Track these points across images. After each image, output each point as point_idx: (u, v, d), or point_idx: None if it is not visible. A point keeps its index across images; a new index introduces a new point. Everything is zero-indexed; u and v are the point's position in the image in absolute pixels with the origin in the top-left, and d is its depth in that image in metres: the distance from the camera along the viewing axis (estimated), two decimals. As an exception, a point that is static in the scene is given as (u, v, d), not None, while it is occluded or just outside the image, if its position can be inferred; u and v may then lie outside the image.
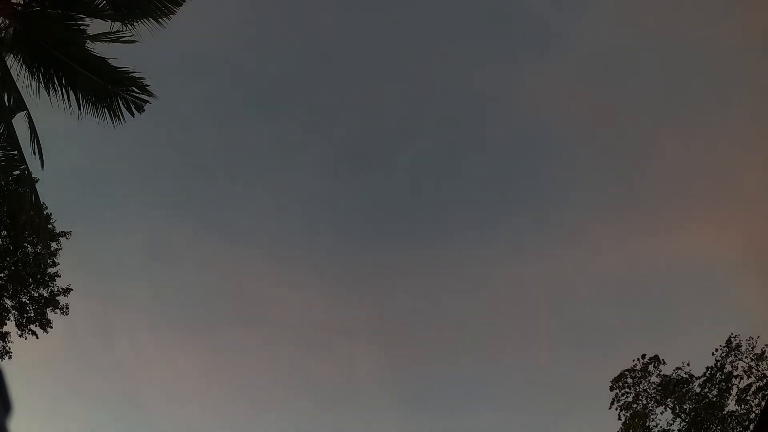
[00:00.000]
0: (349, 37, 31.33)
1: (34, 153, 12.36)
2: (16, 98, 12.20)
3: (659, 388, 28.08)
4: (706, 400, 27.03)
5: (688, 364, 27.98)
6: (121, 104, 12.42)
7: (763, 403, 25.25)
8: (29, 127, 12.34)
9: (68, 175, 26.45)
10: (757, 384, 26.45)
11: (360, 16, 30.38)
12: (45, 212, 19.96)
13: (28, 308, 22.17)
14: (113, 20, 12.09)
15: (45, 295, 22.35)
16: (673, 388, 27.75)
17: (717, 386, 27.06)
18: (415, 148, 34.00)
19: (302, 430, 40.44)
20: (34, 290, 22.27)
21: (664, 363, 28.38)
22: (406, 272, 36.45)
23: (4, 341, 22.14)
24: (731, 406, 26.80)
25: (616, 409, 28.31)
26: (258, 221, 34.68)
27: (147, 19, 11.99)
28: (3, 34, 11.97)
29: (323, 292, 35.98)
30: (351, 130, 33.64)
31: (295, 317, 36.46)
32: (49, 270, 22.45)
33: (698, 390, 27.42)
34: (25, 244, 22.04)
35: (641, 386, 28.38)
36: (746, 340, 26.98)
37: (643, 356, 28.50)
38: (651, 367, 28.40)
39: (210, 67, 30.13)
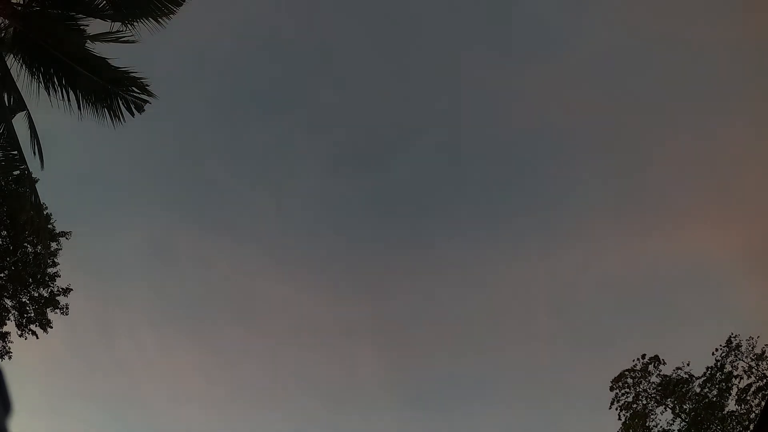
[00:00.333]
0: (351, 37, 31.36)
1: (34, 153, 12.37)
2: (16, 98, 12.21)
3: (659, 388, 28.09)
4: (706, 400, 27.05)
5: (688, 364, 28.04)
6: (121, 104, 12.43)
7: (763, 403, 25.26)
8: (29, 127, 12.35)
9: (68, 175, 26.44)
10: (757, 384, 26.46)
11: (362, 16, 30.41)
12: (45, 212, 19.97)
13: (28, 308, 22.19)
14: (113, 20, 12.10)
15: (45, 295, 22.37)
16: (673, 388, 27.76)
17: (717, 386, 27.07)
18: (416, 149, 34.01)
19: (303, 429, 40.46)
20: (34, 290, 22.28)
21: (664, 363, 28.42)
22: (408, 272, 36.49)
23: (4, 341, 22.15)
24: (731, 406, 26.84)
25: (616, 409, 28.34)
26: (259, 221, 34.72)
27: (147, 19, 12.00)
28: (3, 34, 11.97)
29: (324, 291, 36.03)
30: (352, 130, 33.68)
31: (296, 317, 36.49)
32: (49, 270, 22.46)
33: (698, 390, 27.43)
34: (25, 244, 22.06)
35: (641, 386, 28.40)
36: (746, 340, 27.02)
37: (643, 356, 28.53)
38: (651, 367, 28.43)
39: (212, 67, 30.16)
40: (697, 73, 29.63)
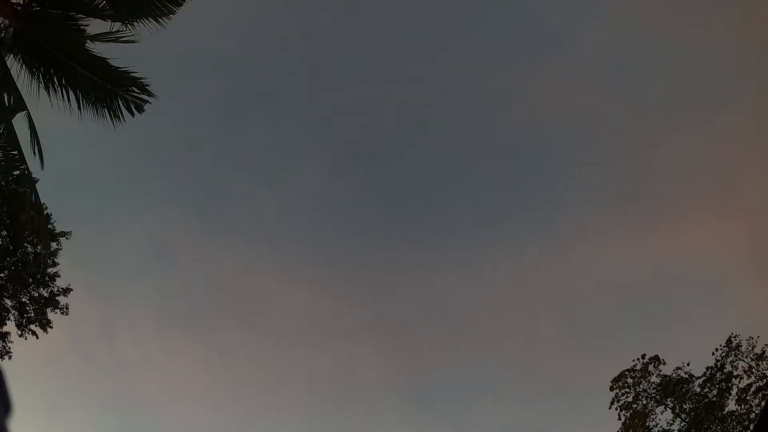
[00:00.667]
0: (353, 38, 31.36)
1: (34, 153, 12.37)
2: (16, 98, 12.21)
3: (659, 388, 28.08)
4: (706, 400, 27.04)
5: (688, 364, 28.02)
6: (121, 104, 12.43)
7: (763, 403, 25.26)
8: (29, 127, 12.35)
9: (68, 175, 26.45)
10: (757, 384, 26.45)
11: (364, 16, 30.40)
12: (45, 212, 19.96)
13: (28, 308, 22.18)
14: (113, 20, 12.10)
15: (45, 295, 22.36)
16: (673, 388, 27.75)
17: (717, 386, 27.06)
18: (418, 149, 34.04)
19: (306, 429, 40.44)
20: (34, 290, 22.28)
21: (664, 363, 28.41)
22: (410, 271, 36.53)
23: (4, 341, 22.15)
24: (731, 406, 26.83)
25: (616, 409, 28.33)
26: (262, 220, 34.72)
27: (147, 19, 11.99)
28: (3, 34, 11.97)
29: (327, 290, 36.03)
30: (355, 129, 33.69)
31: (298, 316, 36.50)
32: (49, 270, 22.46)
33: (698, 390, 27.42)
34: (25, 244, 22.05)
35: (641, 386, 28.39)
36: (746, 340, 27.00)
37: (643, 356, 28.52)
38: (651, 367, 28.42)
39: (214, 66, 30.16)
40: (698, 73, 29.65)
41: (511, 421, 35.37)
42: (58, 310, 22.45)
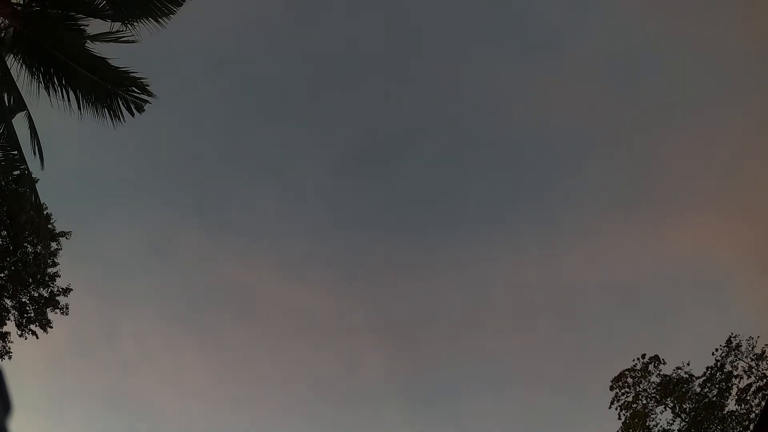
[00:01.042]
0: (354, 37, 31.35)
1: (34, 153, 12.38)
2: (16, 98, 12.21)
3: (659, 387, 28.09)
4: (706, 400, 27.04)
5: (688, 364, 28.03)
6: (121, 104, 12.43)
7: (763, 403, 25.26)
8: (29, 127, 12.35)
9: (68, 175, 26.44)
10: (757, 384, 26.46)
11: (365, 16, 30.40)
12: (45, 212, 19.97)
13: (28, 308, 22.19)
14: (113, 20, 12.10)
15: (45, 295, 22.37)
16: (673, 388, 27.76)
17: (717, 386, 27.07)
18: (420, 149, 34.05)
19: (307, 428, 40.45)
20: (34, 290, 22.29)
21: (664, 363, 28.41)
22: (412, 272, 36.54)
23: (4, 341, 22.16)
24: (731, 406, 26.83)
25: (616, 408, 28.34)
26: (264, 220, 34.75)
27: (147, 19, 12.00)
28: (3, 34, 11.98)
29: (328, 290, 36.04)
30: (356, 130, 33.70)
31: (300, 316, 36.51)
32: (49, 270, 22.47)
33: (698, 390, 27.43)
34: (25, 244, 22.06)
35: (641, 386, 28.40)
36: (746, 340, 27.00)
37: (643, 356, 28.53)
38: (651, 367, 28.42)
39: (215, 66, 30.15)
40: (698, 73, 29.66)
41: (512, 421, 35.38)
42: (58, 310, 22.46)
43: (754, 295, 30.86)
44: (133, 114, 12.56)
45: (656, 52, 29.77)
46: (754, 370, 26.70)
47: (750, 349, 26.90)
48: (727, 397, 26.90)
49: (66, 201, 26.85)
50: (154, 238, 32.42)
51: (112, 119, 12.47)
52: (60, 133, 17.96)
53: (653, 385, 28.27)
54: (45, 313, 22.27)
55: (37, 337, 22.22)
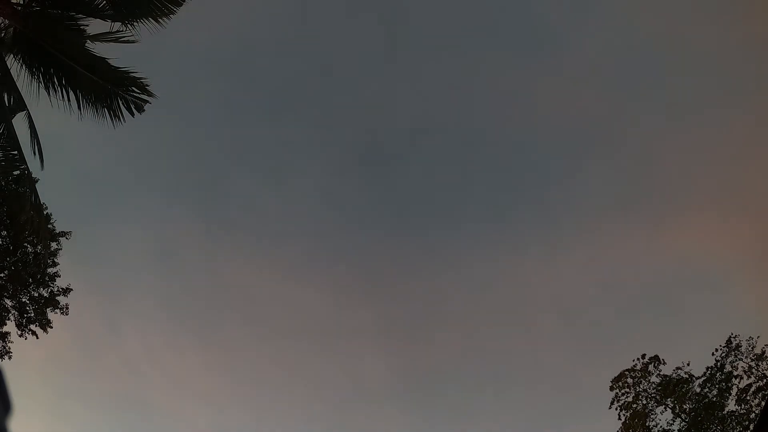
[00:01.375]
0: (355, 37, 31.35)
1: (34, 153, 12.39)
2: (16, 98, 12.22)
3: (659, 388, 28.08)
4: (706, 400, 27.03)
5: (688, 364, 28.00)
6: (121, 104, 12.44)
7: (763, 403, 25.26)
8: (29, 127, 12.36)
9: (68, 175, 26.45)
10: (757, 384, 26.45)
11: (365, 16, 30.41)
12: (45, 212, 19.98)
13: (28, 308, 22.19)
14: (113, 20, 12.11)
15: (45, 295, 22.38)
16: (673, 388, 27.74)
17: (717, 386, 27.06)
18: (421, 150, 34.06)
19: (308, 428, 40.46)
20: (34, 290, 22.29)
21: (664, 363, 28.40)
22: (413, 273, 36.53)
23: (4, 341, 22.16)
24: (731, 406, 26.81)
25: (616, 409, 28.34)
26: (265, 220, 34.75)
27: (147, 19, 12.00)
28: (3, 34, 11.98)
29: (331, 291, 36.04)
30: (357, 130, 33.69)
31: (302, 316, 36.52)
32: (49, 270, 22.47)
33: (698, 390, 27.42)
34: (25, 244, 22.06)
35: (641, 386, 28.39)
36: (746, 340, 26.99)
37: (643, 356, 28.52)
38: (651, 367, 28.41)
39: (215, 66, 30.16)
40: (698, 73, 29.66)
41: (512, 421, 35.38)
42: (58, 310, 22.47)
43: (754, 295, 30.87)
44: (133, 114, 12.57)
45: (656, 52, 29.80)
46: (754, 370, 26.70)
47: (750, 349, 26.91)
48: (727, 398, 26.89)
49: (66, 201, 26.87)
50: (155, 237, 32.44)
51: (112, 119, 12.48)
52: (60, 133, 17.97)
53: (653, 385, 28.26)
54: (45, 313, 22.28)
55: (37, 337, 22.24)
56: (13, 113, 12.20)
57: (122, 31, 12.17)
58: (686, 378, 27.80)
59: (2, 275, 21.98)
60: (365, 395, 36.35)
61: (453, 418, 35.19)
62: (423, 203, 35.85)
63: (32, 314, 22.20)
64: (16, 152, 12.03)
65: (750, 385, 26.56)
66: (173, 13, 12.13)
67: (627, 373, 28.58)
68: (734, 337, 27.15)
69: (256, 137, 33.21)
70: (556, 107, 31.57)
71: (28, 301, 22.22)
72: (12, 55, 12.10)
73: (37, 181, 15.87)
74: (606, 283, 34.86)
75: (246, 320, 35.97)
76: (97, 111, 12.44)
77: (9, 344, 22.19)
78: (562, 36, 30.42)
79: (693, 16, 28.30)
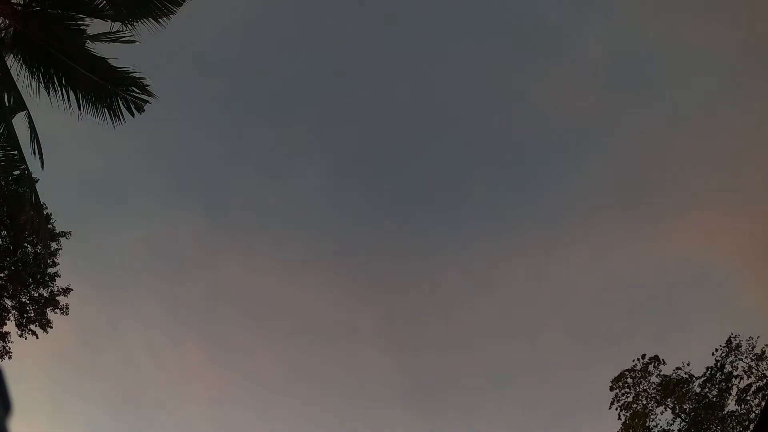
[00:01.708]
0: (356, 37, 31.35)
1: (34, 153, 12.38)
2: (16, 98, 12.21)
3: (659, 388, 28.06)
4: (706, 400, 27.02)
5: (688, 364, 27.98)
6: (121, 104, 12.44)
7: (763, 403, 25.25)
8: (29, 127, 12.36)
9: (68, 175, 26.46)
10: (757, 384, 26.43)
11: (367, 16, 30.42)
12: (45, 212, 19.98)
13: (28, 308, 22.19)
14: (113, 20, 12.10)
15: (45, 295, 22.37)
16: (673, 388, 27.73)
17: (717, 386, 27.04)
18: (420, 149, 34.08)
19: (308, 428, 40.47)
20: (34, 290, 22.29)
21: (664, 363, 28.38)
22: (414, 272, 36.57)
23: (4, 341, 22.16)
24: (731, 406, 26.79)
25: (616, 409, 28.32)
26: (266, 221, 34.77)
27: (147, 19, 12.00)
28: (3, 34, 11.98)
29: (332, 291, 36.04)
30: (358, 130, 33.71)
31: (304, 316, 36.53)
32: (49, 270, 22.47)
33: (698, 390, 27.40)
34: (25, 244, 22.06)
35: (641, 386, 28.37)
36: (746, 340, 26.97)
37: (643, 356, 28.50)
38: (651, 367, 28.40)
39: (215, 66, 30.15)
40: (699, 74, 29.67)
41: (512, 421, 35.39)
42: (58, 310, 22.46)
43: (755, 295, 30.87)
44: (133, 114, 12.56)
45: (657, 52, 29.81)
46: (754, 370, 26.68)
47: (750, 349, 26.89)
48: (727, 398, 26.87)
49: (66, 201, 26.87)
50: (155, 237, 32.44)
51: (112, 119, 12.48)
52: (60, 133, 17.97)
53: (653, 385, 28.24)
54: (45, 313, 22.27)
55: (37, 337, 22.23)
56: (13, 113, 12.20)
57: (122, 31, 12.18)
58: (686, 378, 27.78)
59: (2, 275, 21.98)
60: (366, 394, 36.38)
61: (453, 418, 35.24)
62: (423, 202, 35.91)
63: (32, 314, 22.19)
64: (16, 152, 12.03)
65: (750, 385, 26.55)
66: (173, 13, 12.12)
67: (627, 373, 28.56)
68: (734, 337, 27.14)
69: (256, 136, 33.24)
70: (556, 106, 31.60)
71: (28, 301, 22.21)
72: (12, 55, 12.10)
73: (37, 181, 15.88)
74: (607, 282, 34.90)
75: (246, 319, 36.01)
76: (97, 111, 12.44)
77: (9, 344, 22.19)
78: (563, 36, 30.46)
79: (693, 16, 28.32)
